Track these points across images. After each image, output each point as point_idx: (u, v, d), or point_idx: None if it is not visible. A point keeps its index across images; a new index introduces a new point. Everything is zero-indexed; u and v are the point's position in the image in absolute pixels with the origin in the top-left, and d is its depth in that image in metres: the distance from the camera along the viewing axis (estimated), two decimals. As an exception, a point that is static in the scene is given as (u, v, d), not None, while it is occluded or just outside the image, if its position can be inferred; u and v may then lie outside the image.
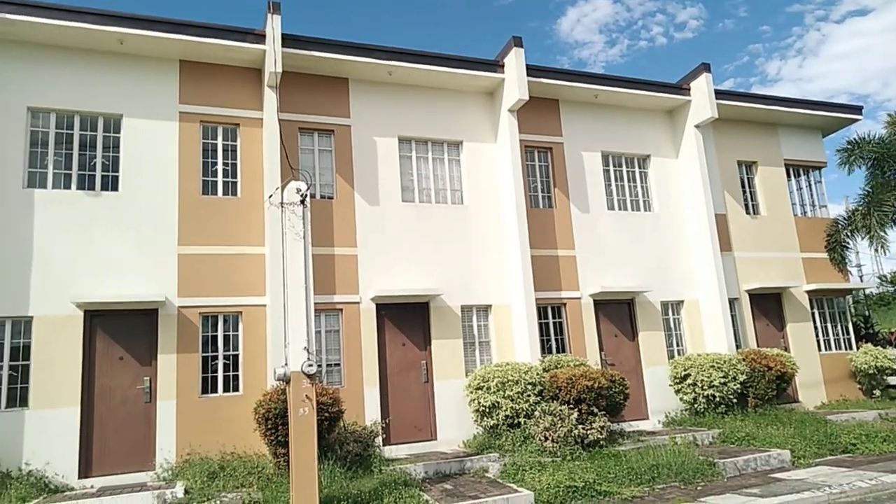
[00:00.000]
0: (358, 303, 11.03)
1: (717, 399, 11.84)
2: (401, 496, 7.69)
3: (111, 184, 10.19)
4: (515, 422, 10.25)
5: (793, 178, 15.89)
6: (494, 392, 10.38)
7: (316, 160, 11.47)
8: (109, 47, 10.30)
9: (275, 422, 8.38)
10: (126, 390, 9.66)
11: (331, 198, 11.36)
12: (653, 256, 13.50)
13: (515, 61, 12.10)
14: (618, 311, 13.10)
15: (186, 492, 8.05)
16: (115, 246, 9.85)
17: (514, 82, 12.06)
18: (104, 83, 10.32)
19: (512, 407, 10.22)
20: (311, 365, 7.04)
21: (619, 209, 13.71)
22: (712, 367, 11.94)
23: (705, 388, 11.87)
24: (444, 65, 12.02)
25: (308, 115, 11.37)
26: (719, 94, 14.08)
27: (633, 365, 12.88)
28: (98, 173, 10.18)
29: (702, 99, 13.80)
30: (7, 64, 9.85)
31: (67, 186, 9.97)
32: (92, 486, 8.94)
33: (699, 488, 8.28)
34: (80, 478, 9.05)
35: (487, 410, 10.46)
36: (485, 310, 12.08)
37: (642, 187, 14.11)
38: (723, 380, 11.78)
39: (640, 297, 13.16)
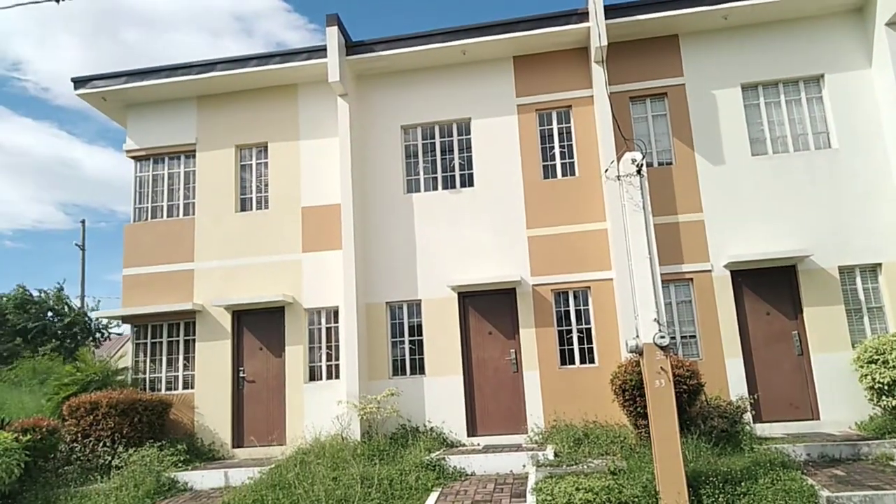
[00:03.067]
0: (709, 271, 10.36)
1: None
2: (778, 478, 7.03)
3: (468, 181, 11.54)
4: (928, 403, 8.40)
5: None
6: (894, 366, 8.67)
7: (650, 127, 11.12)
8: (455, 59, 11.65)
9: (632, 393, 8.48)
10: (496, 361, 10.87)
11: (669, 164, 10.89)
12: None
13: (891, -40, 9.80)
14: None
15: (556, 455, 8.70)
16: (475, 235, 11.15)
17: (892, -13, 9.77)
18: (454, 93, 11.71)
19: (921, 385, 8.40)
20: (662, 336, 6.92)
21: None
22: None
23: None
24: (792, -10, 10.40)
25: (638, 82, 11.09)
26: None
27: None
28: (457, 173, 11.64)
29: None
30: (385, 92, 11.94)
31: (434, 188, 11.65)
32: (478, 444, 10.34)
33: None
34: (468, 436, 10.55)
35: (886, 388, 8.78)
36: (872, 269, 10.12)
37: None
38: None
39: None
